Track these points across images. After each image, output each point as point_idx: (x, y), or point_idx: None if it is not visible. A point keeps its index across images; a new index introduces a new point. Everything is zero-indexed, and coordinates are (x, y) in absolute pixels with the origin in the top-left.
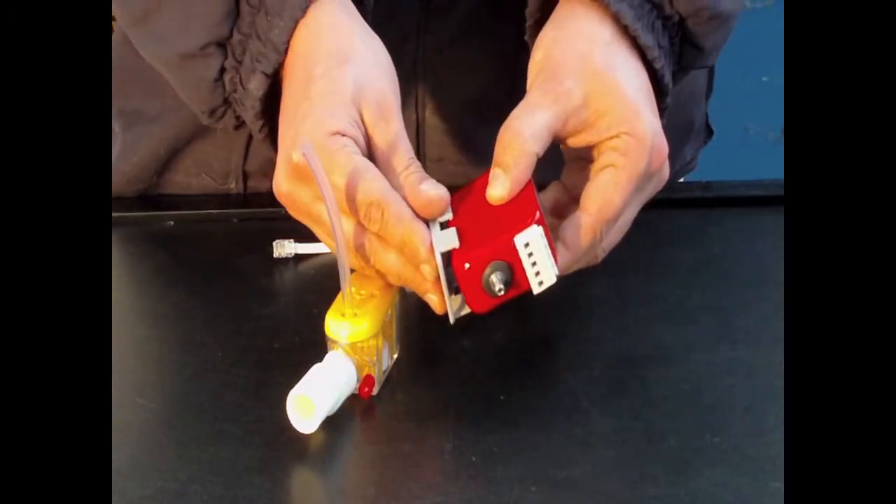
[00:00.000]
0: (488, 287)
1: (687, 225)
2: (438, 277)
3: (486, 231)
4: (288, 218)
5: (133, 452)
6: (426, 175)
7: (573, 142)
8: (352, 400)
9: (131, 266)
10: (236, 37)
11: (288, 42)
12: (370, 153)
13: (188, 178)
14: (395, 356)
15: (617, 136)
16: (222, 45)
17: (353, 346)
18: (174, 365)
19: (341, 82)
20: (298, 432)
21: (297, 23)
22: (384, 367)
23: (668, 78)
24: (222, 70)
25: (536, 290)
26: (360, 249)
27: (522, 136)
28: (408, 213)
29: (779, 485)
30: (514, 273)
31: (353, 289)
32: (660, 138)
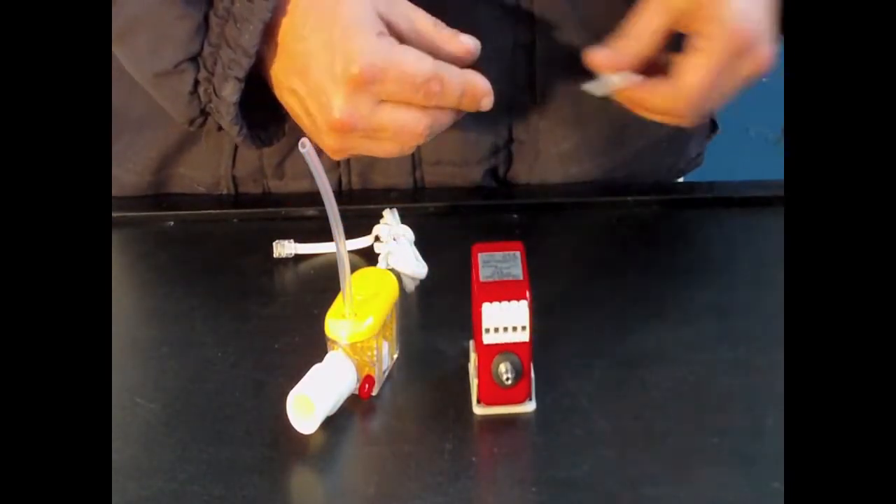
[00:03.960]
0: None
1: (687, 225)
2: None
3: None
4: (288, 218)
5: (133, 452)
6: (455, 31)
7: (683, 28)
8: (352, 400)
9: (131, 266)
10: (207, 49)
11: (258, 45)
12: (402, 39)
13: (181, 188)
14: (395, 356)
15: (704, 20)
16: (194, 59)
17: (353, 346)
18: (174, 365)
19: (350, 2)
20: (298, 432)
21: (265, 25)
22: (384, 367)
23: None
24: (196, 83)
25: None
26: (426, 130)
27: (637, 34)
28: (458, 69)
29: (779, 485)
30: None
31: (353, 289)
32: (747, 25)
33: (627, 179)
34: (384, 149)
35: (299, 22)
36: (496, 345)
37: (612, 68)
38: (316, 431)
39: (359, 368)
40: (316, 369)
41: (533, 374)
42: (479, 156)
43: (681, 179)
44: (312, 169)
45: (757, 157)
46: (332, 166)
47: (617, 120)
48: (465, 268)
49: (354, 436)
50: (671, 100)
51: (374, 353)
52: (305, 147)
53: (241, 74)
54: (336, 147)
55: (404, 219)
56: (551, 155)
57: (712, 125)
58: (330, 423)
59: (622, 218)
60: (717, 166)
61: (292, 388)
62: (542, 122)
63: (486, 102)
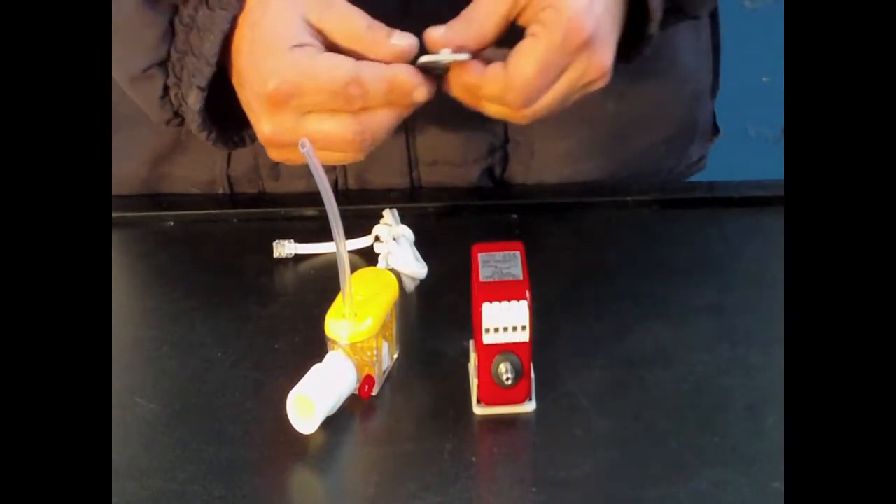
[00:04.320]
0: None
1: (687, 225)
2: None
3: None
4: (288, 218)
5: (133, 452)
6: (391, 29)
7: (522, 20)
8: (352, 400)
9: (131, 266)
10: (174, 55)
11: (218, 55)
12: (334, 44)
13: (176, 189)
14: (395, 356)
15: (543, 9)
16: (163, 64)
17: (353, 346)
18: (174, 365)
19: (279, 7)
20: (298, 432)
21: (224, 35)
22: (384, 367)
23: (655, 4)
24: (166, 88)
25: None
26: (356, 137)
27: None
28: (382, 66)
29: (779, 485)
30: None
31: (353, 289)
32: (583, 17)
33: (626, 180)
34: (326, 157)
35: (242, 36)
36: (496, 345)
37: (446, 47)
38: (316, 431)
39: (359, 368)
40: (316, 369)
41: (533, 374)
42: (476, 156)
43: None
44: (313, 168)
45: (757, 157)
46: (329, 167)
47: (614, 122)
48: (465, 268)
49: (354, 436)
50: (501, 85)
51: (374, 353)
52: (305, 147)
53: (203, 83)
54: (280, 159)
55: (404, 219)
56: (547, 156)
57: (714, 128)
58: (330, 423)
59: (622, 218)
60: (717, 166)
61: (292, 388)
62: (538, 124)
63: (420, 94)
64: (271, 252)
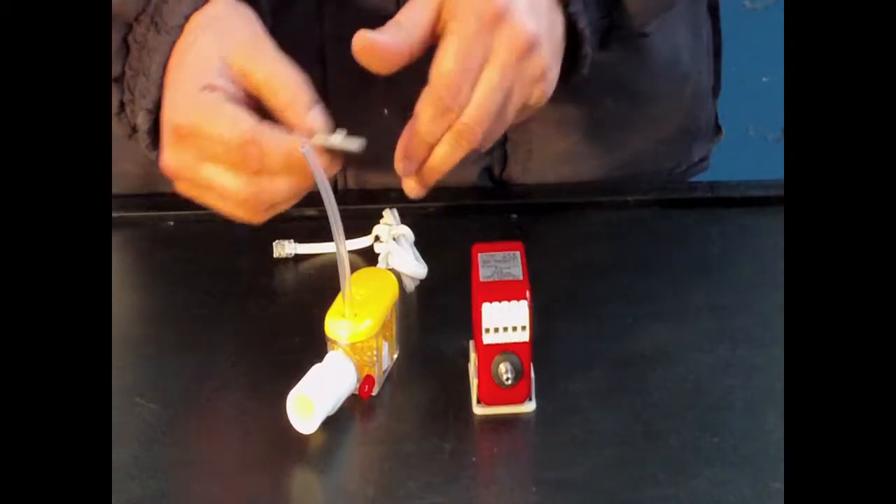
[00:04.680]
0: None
1: (687, 225)
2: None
3: None
4: (288, 218)
5: (133, 452)
6: (313, 95)
7: (441, 28)
8: (352, 400)
9: (131, 266)
10: (129, 73)
11: (163, 77)
12: (253, 92)
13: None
14: (395, 356)
15: (455, 5)
16: (118, 80)
17: (353, 346)
18: (174, 365)
19: (204, 43)
20: (298, 432)
21: (167, 58)
22: (384, 367)
23: (583, 24)
24: (122, 104)
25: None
26: (249, 199)
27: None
28: (283, 134)
29: (779, 485)
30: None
31: (353, 289)
32: (493, 2)
33: (627, 180)
34: (225, 209)
35: (172, 62)
36: (496, 345)
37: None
38: (316, 431)
39: (359, 368)
40: (316, 369)
41: (533, 374)
42: (474, 155)
43: None
44: (313, 168)
45: (757, 157)
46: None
47: (612, 122)
48: (465, 268)
49: (354, 436)
50: (433, 99)
51: (374, 353)
52: (305, 147)
53: (150, 105)
54: (188, 194)
55: (404, 219)
56: (545, 155)
57: (716, 129)
58: (330, 423)
59: (622, 218)
60: (717, 166)
61: (292, 388)
62: (535, 124)
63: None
64: (271, 252)
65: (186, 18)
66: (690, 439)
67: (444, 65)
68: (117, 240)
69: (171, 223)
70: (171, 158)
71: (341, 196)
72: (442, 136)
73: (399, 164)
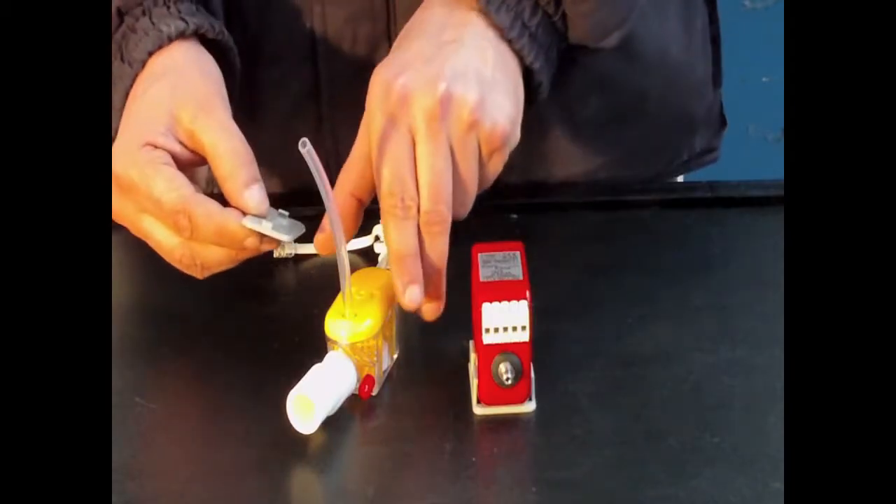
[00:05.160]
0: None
1: (687, 225)
2: (262, 240)
3: None
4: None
5: (133, 452)
6: (256, 173)
7: None
8: (352, 400)
9: (131, 266)
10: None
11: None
12: (196, 152)
13: None
14: (395, 356)
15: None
16: None
17: (353, 346)
18: (174, 365)
19: (156, 94)
20: (298, 432)
21: (128, 92)
22: (384, 367)
23: (531, 59)
24: None
25: None
26: (184, 259)
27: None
28: (215, 208)
29: (779, 485)
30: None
31: (353, 289)
32: (384, 72)
33: (627, 175)
34: (173, 259)
35: (134, 87)
36: (496, 345)
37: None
38: (316, 431)
39: (359, 368)
40: (316, 370)
41: (533, 374)
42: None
43: (680, 178)
44: (312, 168)
45: (757, 157)
46: (328, 167)
47: (603, 120)
48: (465, 268)
49: (354, 436)
50: (386, 209)
51: (375, 353)
52: (305, 147)
53: (114, 133)
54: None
55: None
56: (541, 155)
57: (721, 118)
58: (330, 423)
59: (622, 218)
60: (717, 166)
61: (292, 388)
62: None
63: (251, 243)
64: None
65: (150, 54)
66: (690, 439)
67: (374, 169)
68: (117, 240)
69: None
70: (115, 204)
71: None
72: (417, 241)
73: (404, 298)
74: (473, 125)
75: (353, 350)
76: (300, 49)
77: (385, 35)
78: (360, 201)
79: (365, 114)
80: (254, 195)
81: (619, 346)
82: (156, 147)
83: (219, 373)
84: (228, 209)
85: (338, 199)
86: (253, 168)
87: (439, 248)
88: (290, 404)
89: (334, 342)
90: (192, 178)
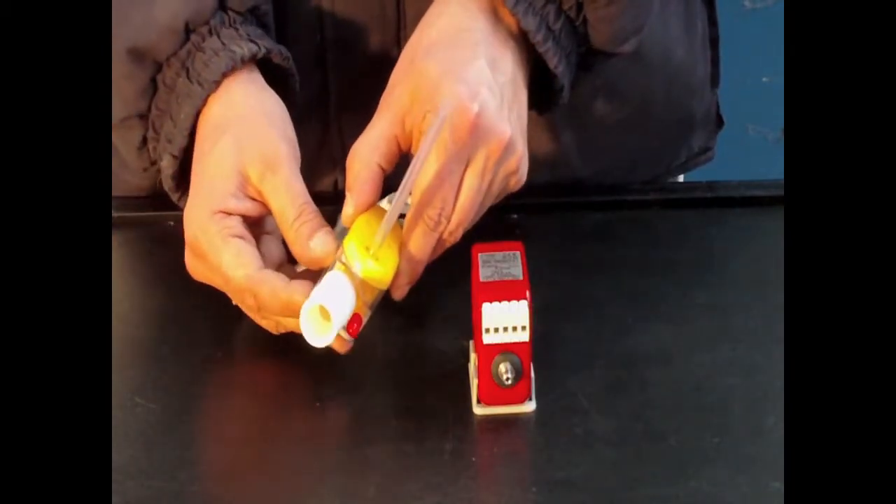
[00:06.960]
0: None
1: (687, 225)
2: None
3: None
4: None
5: (133, 452)
6: (320, 222)
7: (415, 139)
8: (352, 399)
9: (131, 266)
10: (154, 111)
11: (193, 127)
12: (265, 208)
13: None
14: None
15: (423, 117)
16: (143, 116)
17: (362, 281)
18: (174, 365)
19: (223, 151)
20: (299, 432)
21: (198, 111)
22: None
23: (555, 62)
24: (145, 139)
25: None
26: (263, 321)
27: (358, 153)
28: (280, 284)
29: (779, 485)
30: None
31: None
32: (466, 105)
33: (625, 175)
34: (257, 320)
35: (201, 135)
36: (496, 345)
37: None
38: (315, 431)
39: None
40: (329, 282)
41: (533, 374)
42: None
43: (681, 178)
44: (427, 140)
45: (757, 157)
46: (328, 170)
47: (603, 120)
48: (465, 268)
49: (354, 436)
50: (419, 219)
51: (375, 297)
52: (440, 117)
53: (176, 151)
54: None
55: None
56: (538, 156)
57: (718, 119)
58: (330, 423)
59: (622, 218)
60: (716, 166)
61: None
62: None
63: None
64: None
65: (224, 76)
66: (690, 439)
67: (427, 183)
68: (117, 240)
69: (172, 223)
70: (188, 260)
71: (341, 196)
72: (433, 248)
73: (397, 293)
74: (514, 174)
75: (361, 285)
76: (310, 56)
77: (395, 42)
78: (384, 171)
79: (411, 104)
80: (320, 241)
81: (619, 346)
82: (227, 214)
83: (219, 373)
84: (294, 283)
85: (367, 168)
86: (317, 217)
87: (436, 252)
88: (304, 316)
89: (344, 264)
90: (264, 228)
